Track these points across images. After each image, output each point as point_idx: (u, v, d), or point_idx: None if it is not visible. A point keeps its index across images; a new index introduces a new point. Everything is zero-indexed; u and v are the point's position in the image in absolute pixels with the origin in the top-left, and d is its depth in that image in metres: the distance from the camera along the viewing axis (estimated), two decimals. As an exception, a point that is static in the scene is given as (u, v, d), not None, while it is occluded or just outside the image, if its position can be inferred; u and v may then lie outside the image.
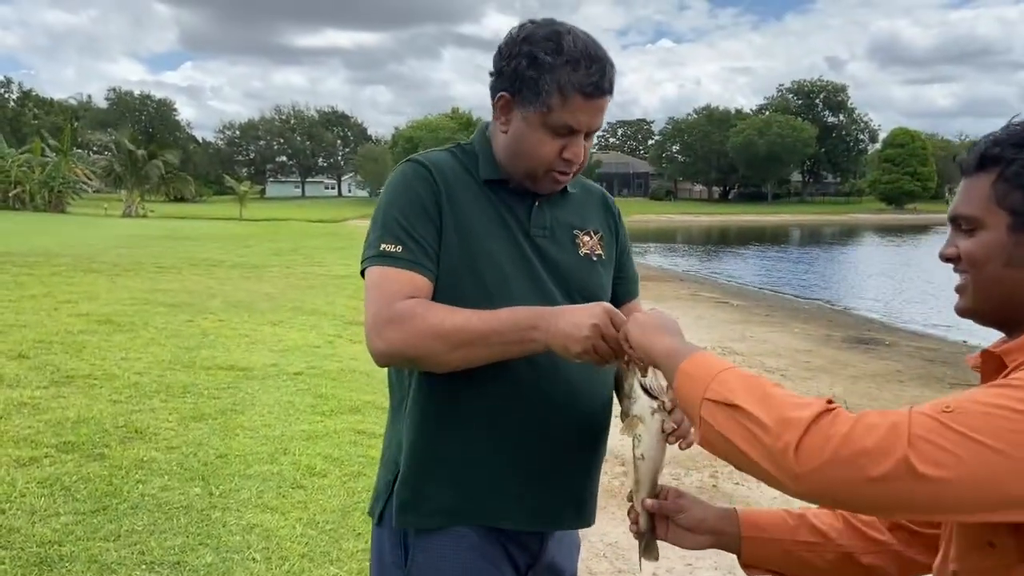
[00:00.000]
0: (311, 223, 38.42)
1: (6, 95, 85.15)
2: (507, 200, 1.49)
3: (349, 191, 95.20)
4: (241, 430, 4.76)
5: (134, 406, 5.07)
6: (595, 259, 1.57)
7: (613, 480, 4.42)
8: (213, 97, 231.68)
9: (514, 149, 1.45)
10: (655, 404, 1.31)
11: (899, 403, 7.44)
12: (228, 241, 22.27)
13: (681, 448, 1.39)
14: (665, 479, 4.84)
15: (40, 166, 41.34)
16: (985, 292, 1.12)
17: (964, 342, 11.89)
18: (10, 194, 39.39)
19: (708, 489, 4.74)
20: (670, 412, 1.32)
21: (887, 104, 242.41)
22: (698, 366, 1.13)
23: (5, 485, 3.69)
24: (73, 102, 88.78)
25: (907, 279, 22.98)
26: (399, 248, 1.37)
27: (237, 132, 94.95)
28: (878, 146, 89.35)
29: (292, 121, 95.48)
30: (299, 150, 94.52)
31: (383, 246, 1.38)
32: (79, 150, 50.45)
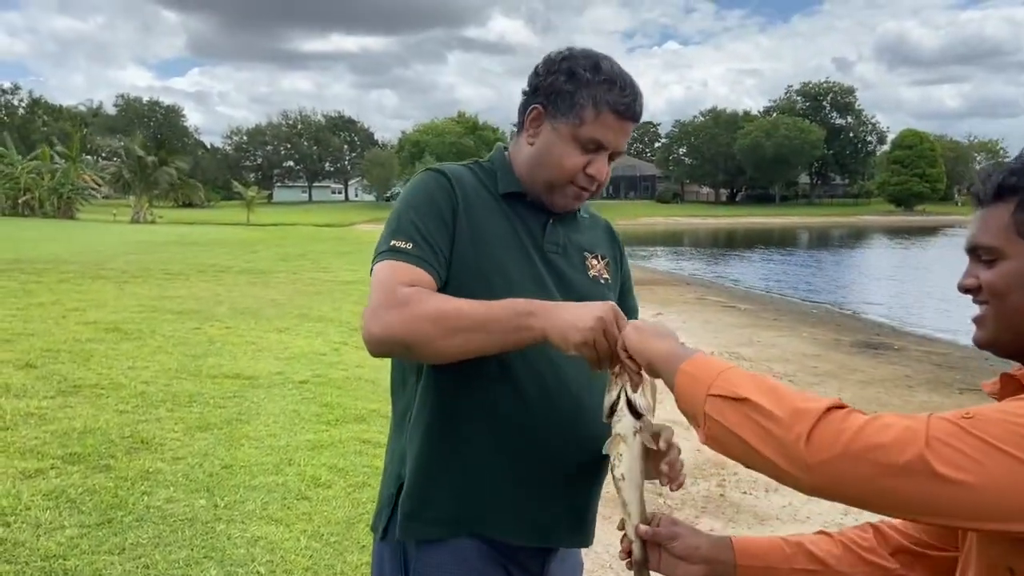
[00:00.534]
0: (318, 228, 38.54)
1: (15, 102, 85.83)
2: (523, 214, 1.52)
3: (356, 195, 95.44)
4: (246, 440, 4.76)
5: (140, 416, 5.07)
6: (603, 282, 1.59)
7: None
8: (221, 103, 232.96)
9: (539, 159, 1.48)
10: (638, 424, 1.29)
11: (908, 408, 7.40)
12: (235, 246, 22.35)
13: (672, 490, 1.38)
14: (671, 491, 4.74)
15: (49, 173, 41.62)
16: (1007, 323, 1.11)
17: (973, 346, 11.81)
18: (19, 201, 39.65)
19: (715, 498, 4.71)
20: (654, 436, 1.31)
21: (895, 105, 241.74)
22: (699, 366, 1.12)
23: (11, 498, 3.69)
24: (82, 108, 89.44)
25: (916, 282, 22.88)
26: (410, 245, 1.39)
27: (244, 137, 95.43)
28: (886, 148, 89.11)
29: (299, 126, 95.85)
30: (306, 155, 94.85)
31: (394, 242, 1.40)
32: (88, 156, 50.78)
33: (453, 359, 1.34)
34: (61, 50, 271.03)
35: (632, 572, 1.35)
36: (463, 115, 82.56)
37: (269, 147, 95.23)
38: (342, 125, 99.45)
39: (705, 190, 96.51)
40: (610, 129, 1.44)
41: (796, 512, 4.54)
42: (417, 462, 1.45)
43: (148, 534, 3.43)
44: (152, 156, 46.18)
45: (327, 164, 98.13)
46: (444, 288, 1.41)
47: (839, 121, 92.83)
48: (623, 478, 1.29)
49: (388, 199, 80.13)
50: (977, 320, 1.16)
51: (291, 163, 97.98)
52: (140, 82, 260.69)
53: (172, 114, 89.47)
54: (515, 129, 1.58)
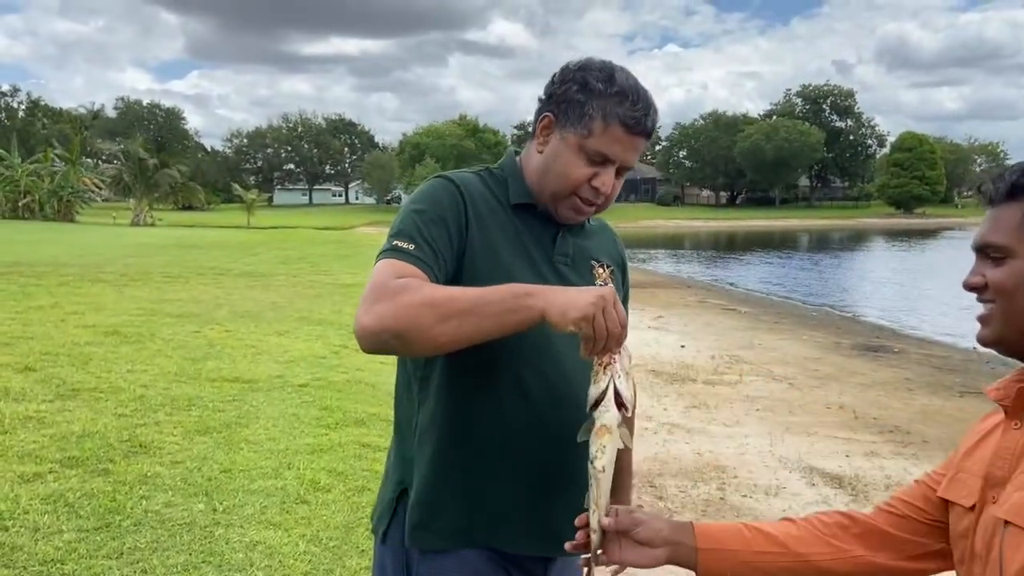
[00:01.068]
0: (318, 231, 38.52)
1: (15, 105, 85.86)
2: (533, 225, 1.51)
3: (356, 198, 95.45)
4: (245, 444, 4.74)
5: (139, 420, 5.06)
6: None
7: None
8: (220, 105, 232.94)
9: (546, 168, 1.48)
10: (620, 417, 1.29)
11: (909, 411, 7.39)
12: (235, 249, 22.34)
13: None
14: (672, 491, 4.78)
15: (49, 175, 41.61)
16: (1013, 322, 1.12)
17: (974, 349, 11.81)
18: (19, 203, 39.66)
19: (715, 502, 4.70)
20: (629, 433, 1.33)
21: (895, 108, 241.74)
22: None
23: (9, 502, 3.68)
24: (82, 111, 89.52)
25: (916, 285, 22.87)
26: (412, 246, 1.37)
27: (245, 140, 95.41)
28: (886, 150, 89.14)
29: (299, 129, 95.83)
30: (306, 158, 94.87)
31: (396, 242, 1.38)
32: (88, 159, 50.80)
33: (448, 347, 1.29)
34: (61, 53, 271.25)
35: (586, 567, 1.35)
36: (464, 118, 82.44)
37: (269, 150, 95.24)
38: (342, 128, 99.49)
39: (705, 193, 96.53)
40: (618, 143, 1.43)
41: (796, 516, 4.52)
42: (427, 472, 1.45)
43: (146, 538, 3.42)
44: (152, 159, 46.22)
45: (327, 167, 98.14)
46: None
47: (839, 124, 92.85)
48: (603, 470, 1.29)
49: (389, 202, 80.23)
50: (982, 318, 1.16)
51: (291, 166, 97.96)
52: (140, 85, 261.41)
53: (172, 117, 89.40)
54: (518, 132, 1.57)
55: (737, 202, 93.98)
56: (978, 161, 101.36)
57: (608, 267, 1.60)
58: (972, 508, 1.15)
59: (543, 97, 1.50)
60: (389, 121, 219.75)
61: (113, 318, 8.79)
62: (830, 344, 11.58)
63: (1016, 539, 1.03)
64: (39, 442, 4.52)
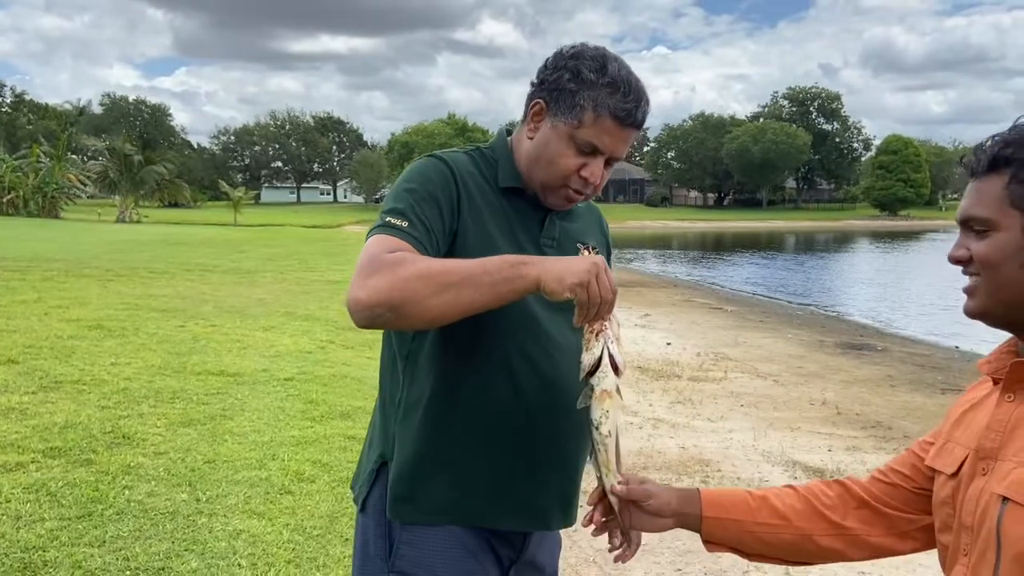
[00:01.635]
0: (306, 229, 38.38)
1: (0, 100, 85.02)
2: (521, 208, 1.52)
3: (345, 197, 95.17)
4: (230, 435, 4.73)
5: (122, 411, 5.04)
6: None
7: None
8: (208, 102, 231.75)
9: (536, 156, 1.48)
10: (618, 381, 1.31)
11: (891, 407, 7.46)
12: (222, 246, 22.23)
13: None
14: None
15: (34, 171, 41.23)
16: (998, 294, 1.12)
17: (956, 347, 11.93)
18: (3, 200, 39.26)
19: (698, 494, 4.73)
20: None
21: (881, 111, 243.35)
22: None
23: (-10, 491, 3.66)
24: (68, 107, 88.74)
25: (899, 285, 23.05)
26: (405, 224, 1.37)
27: (232, 138, 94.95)
28: (872, 153, 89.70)
29: (287, 127, 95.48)
30: (294, 156, 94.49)
31: (389, 219, 1.38)
32: (73, 155, 50.39)
33: (443, 319, 1.29)
34: (47, 48, 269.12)
35: (601, 534, 1.41)
36: (453, 117, 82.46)
37: (257, 147, 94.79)
38: (331, 126, 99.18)
39: (693, 194, 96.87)
40: (608, 134, 1.42)
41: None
42: (412, 447, 1.46)
43: (128, 527, 3.41)
44: (138, 155, 45.87)
45: (315, 165, 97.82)
46: None
47: (825, 126, 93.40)
48: (609, 434, 1.32)
49: (377, 201, 79.88)
50: (968, 290, 1.16)
51: (279, 164, 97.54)
52: (126, 81, 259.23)
53: (159, 113, 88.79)
54: (515, 123, 1.58)
55: (724, 203, 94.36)
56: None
57: (594, 248, 1.62)
58: (954, 475, 1.16)
59: (535, 82, 1.49)
60: (378, 120, 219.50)
61: (97, 312, 8.74)
62: (814, 342, 11.66)
63: (1017, 515, 1.04)
64: (21, 432, 4.49)
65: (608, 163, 1.47)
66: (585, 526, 1.43)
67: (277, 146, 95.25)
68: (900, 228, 67.90)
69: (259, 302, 10.64)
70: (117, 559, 3.13)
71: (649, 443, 5.77)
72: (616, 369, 1.31)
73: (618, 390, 1.32)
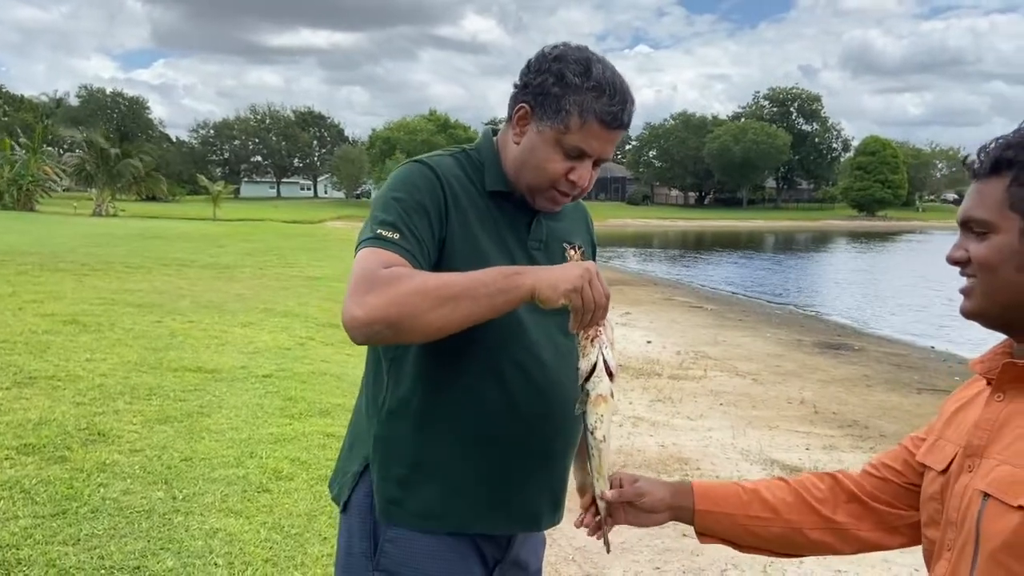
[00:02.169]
0: (286, 224, 38.11)
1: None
2: (508, 211, 1.51)
3: (325, 192, 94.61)
4: (207, 433, 4.69)
5: (98, 408, 4.97)
6: None
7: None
8: (186, 95, 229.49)
9: (523, 161, 1.47)
10: (613, 386, 1.32)
11: (867, 406, 7.53)
12: (200, 241, 22.01)
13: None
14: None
15: (9, 164, 40.59)
16: (995, 296, 1.12)
17: (932, 348, 12.08)
18: (-23, 192, 38.63)
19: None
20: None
21: (859, 112, 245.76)
22: None
23: (-39, 488, 3.60)
24: (44, 99, 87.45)
25: (877, 285, 23.28)
26: (396, 236, 1.36)
27: (211, 131, 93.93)
28: (850, 154, 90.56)
29: (267, 121, 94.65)
30: (274, 150, 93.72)
31: (380, 231, 1.37)
32: (49, 148, 49.61)
33: (442, 333, 1.30)
34: (23, 39, 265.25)
35: (595, 535, 1.42)
36: (434, 113, 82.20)
37: (236, 141, 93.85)
38: (311, 121, 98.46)
39: (674, 193, 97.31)
40: (595, 138, 1.43)
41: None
42: (401, 452, 1.45)
43: (103, 525, 3.37)
44: (115, 148, 45.27)
45: (296, 160, 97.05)
46: None
47: (805, 127, 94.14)
48: (604, 439, 1.33)
49: (358, 196, 79.60)
50: (964, 291, 1.16)
51: (259, 158, 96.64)
52: (104, 73, 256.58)
53: (136, 106, 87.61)
54: (502, 121, 1.57)
55: (705, 202, 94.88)
56: (939, 166, 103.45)
57: (580, 248, 1.62)
58: (943, 472, 1.18)
59: (519, 83, 1.48)
60: (359, 115, 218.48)
61: (72, 307, 8.62)
62: (793, 341, 11.75)
63: (996, 512, 1.05)
64: (-6, 429, 4.42)
65: (595, 164, 1.48)
66: (577, 527, 1.44)
67: (257, 140, 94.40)
68: (877, 228, 68.63)
69: (237, 298, 10.54)
70: (92, 557, 3.09)
71: (629, 441, 5.79)
72: (610, 374, 1.32)
73: (612, 394, 1.33)
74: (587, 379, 1.32)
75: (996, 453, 1.10)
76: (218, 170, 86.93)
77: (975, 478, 1.11)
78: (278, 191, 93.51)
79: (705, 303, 16.58)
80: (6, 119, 72.94)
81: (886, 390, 8.45)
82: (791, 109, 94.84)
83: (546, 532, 1.65)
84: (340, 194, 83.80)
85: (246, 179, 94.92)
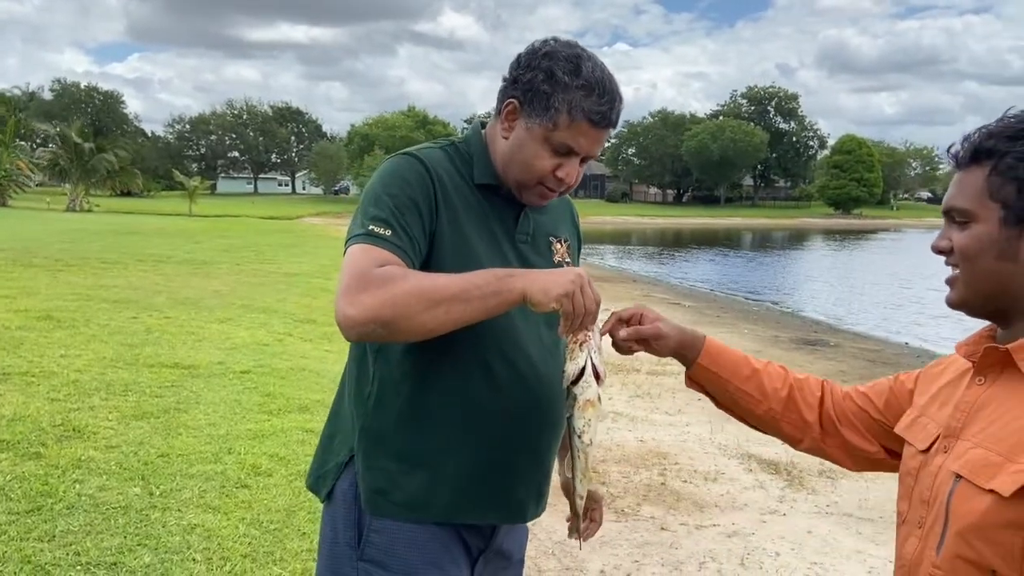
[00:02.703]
0: (264, 220, 37.84)
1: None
2: (497, 204, 1.52)
3: (303, 188, 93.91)
4: (184, 429, 4.65)
5: (73, 404, 4.92)
6: (566, 265, 1.62)
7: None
8: (162, 90, 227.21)
9: (511, 156, 1.48)
10: (600, 390, 1.34)
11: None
12: (177, 237, 21.79)
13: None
14: (615, 477, 4.83)
15: (-21, 158, 39.92)
16: (977, 285, 1.14)
17: (906, 344, 12.26)
18: (-52, 186, 37.99)
19: (657, 487, 4.79)
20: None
21: (836, 111, 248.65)
22: None
23: (-67, 485, 3.55)
24: (17, 92, 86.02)
25: (851, 282, 23.55)
26: (388, 232, 1.37)
27: (187, 126, 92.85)
28: (827, 152, 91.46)
29: (244, 116, 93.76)
30: (252, 146, 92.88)
31: (372, 227, 1.37)
32: (22, 142, 48.88)
33: (435, 333, 1.31)
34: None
35: (574, 532, 1.48)
36: (413, 109, 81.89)
37: (213, 137, 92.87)
38: (289, 116, 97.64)
39: (653, 190, 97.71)
40: (583, 136, 1.44)
41: (734, 500, 4.64)
42: (387, 443, 1.46)
43: (79, 522, 3.34)
44: (89, 143, 44.68)
45: (273, 155, 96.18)
46: None
47: (783, 125, 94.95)
48: (590, 443, 1.35)
49: (336, 192, 79.11)
50: (949, 281, 1.18)
51: (236, 154, 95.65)
52: (78, 67, 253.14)
53: (111, 100, 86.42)
54: (467, 126, 1.58)
55: (684, 200, 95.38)
56: (913, 165, 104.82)
57: (566, 241, 1.64)
58: (925, 451, 1.20)
59: (508, 78, 1.49)
60: (337, 111, 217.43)
61: (46, 303, 8.51)
62: (770, 337, 11.87)
63: (967, 494, 1.07)
64: (-34, 426, 4.36)
65: (583, 161, 1.49)
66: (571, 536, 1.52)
67: (234, 136, 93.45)
68: (853, 227, 69.43)
69: (215, 294, 10.46)
70: (68, 554, 3.06)
71: (608, 436, 5.82)
72: (598, 378, 1.34)
73: (599, 399, 1.35)
74: (575, 382, 1.34)
75: (971, 436, 1.12)
76: (194, 165, 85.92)
77: (949, 459, 1.14)
78: (255, 187, 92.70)
79: (683, 300, 16.69)
80: (-23, 113, 71.67)
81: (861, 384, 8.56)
82: (768, 107, 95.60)
83: (526, 525, 1.66)
84: (318, 190, 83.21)
85: (223, 175, 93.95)
